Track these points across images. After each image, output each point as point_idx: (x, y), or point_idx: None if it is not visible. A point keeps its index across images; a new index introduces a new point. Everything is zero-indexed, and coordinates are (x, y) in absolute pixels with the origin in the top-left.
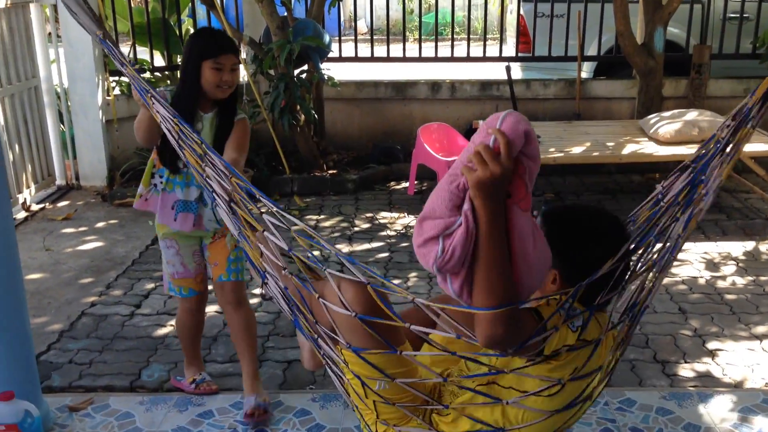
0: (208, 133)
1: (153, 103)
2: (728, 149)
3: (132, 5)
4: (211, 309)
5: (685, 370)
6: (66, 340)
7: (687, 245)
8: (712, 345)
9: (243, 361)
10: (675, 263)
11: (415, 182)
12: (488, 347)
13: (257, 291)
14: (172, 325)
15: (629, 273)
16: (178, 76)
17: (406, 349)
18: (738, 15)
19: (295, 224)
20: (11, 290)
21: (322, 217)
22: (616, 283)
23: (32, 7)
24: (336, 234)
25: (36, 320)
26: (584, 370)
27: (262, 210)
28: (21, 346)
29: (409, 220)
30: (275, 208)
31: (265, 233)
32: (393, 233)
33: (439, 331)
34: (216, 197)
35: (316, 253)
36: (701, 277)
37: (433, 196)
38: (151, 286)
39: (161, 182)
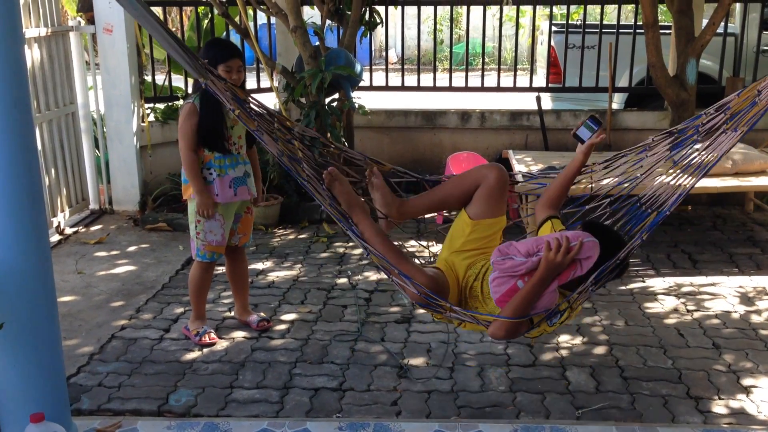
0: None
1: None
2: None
3: None
4: (239, 334)
5: (719, 407)
6: (96, 363)
7: (720, 279)
8: (746, 381)
9: (242, 296)
10: (708, 297)
11: (444, 212)
12: (492, 336)
13: (286, 317)
14: (200, 350)
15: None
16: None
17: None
18: None
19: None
20: (46, 312)
21: (350, 244)
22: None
23: (72, 35)
24: (364, 261)
25: (67, 342)
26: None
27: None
28: (52, 368)
29: (437, 249)
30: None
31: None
32: (421, 262)
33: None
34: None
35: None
36: (735, 311)
37: (530, 240)
38: (180, 310)
39: (215, 171)
